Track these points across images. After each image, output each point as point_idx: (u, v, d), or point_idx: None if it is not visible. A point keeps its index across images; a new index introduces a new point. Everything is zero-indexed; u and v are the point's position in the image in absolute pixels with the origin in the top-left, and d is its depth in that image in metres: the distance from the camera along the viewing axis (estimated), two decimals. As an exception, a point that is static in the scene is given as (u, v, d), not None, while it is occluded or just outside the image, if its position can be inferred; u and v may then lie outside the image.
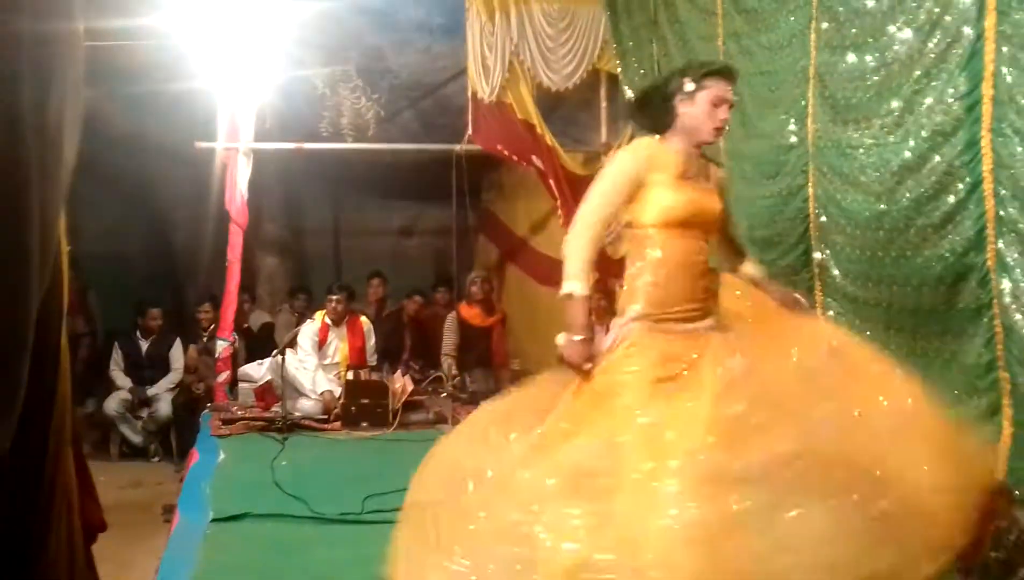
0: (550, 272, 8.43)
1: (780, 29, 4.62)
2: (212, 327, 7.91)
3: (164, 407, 7.73)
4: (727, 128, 3.21)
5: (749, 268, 3.41)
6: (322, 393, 6.63)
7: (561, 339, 2.98)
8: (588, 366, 2.96)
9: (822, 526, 2.50)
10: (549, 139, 7.26)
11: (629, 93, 6.56)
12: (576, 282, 3.01)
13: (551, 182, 7.24)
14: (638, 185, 3.07)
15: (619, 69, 6.77)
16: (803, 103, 4.40)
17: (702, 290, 3.11)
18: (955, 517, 2.65)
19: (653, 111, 3.23)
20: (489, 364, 7.43)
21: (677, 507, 2.53)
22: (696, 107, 3.10)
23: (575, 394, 3.00)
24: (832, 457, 2.64)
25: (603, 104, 7.66)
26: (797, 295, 3.31)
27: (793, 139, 4.49)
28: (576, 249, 3.05)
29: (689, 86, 3.09)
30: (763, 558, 2.47)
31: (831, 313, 4.29)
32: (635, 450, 2.71)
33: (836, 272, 4.29)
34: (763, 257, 4.68)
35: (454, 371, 7.11)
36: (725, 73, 3.14)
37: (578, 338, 2.97)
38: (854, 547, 2.50)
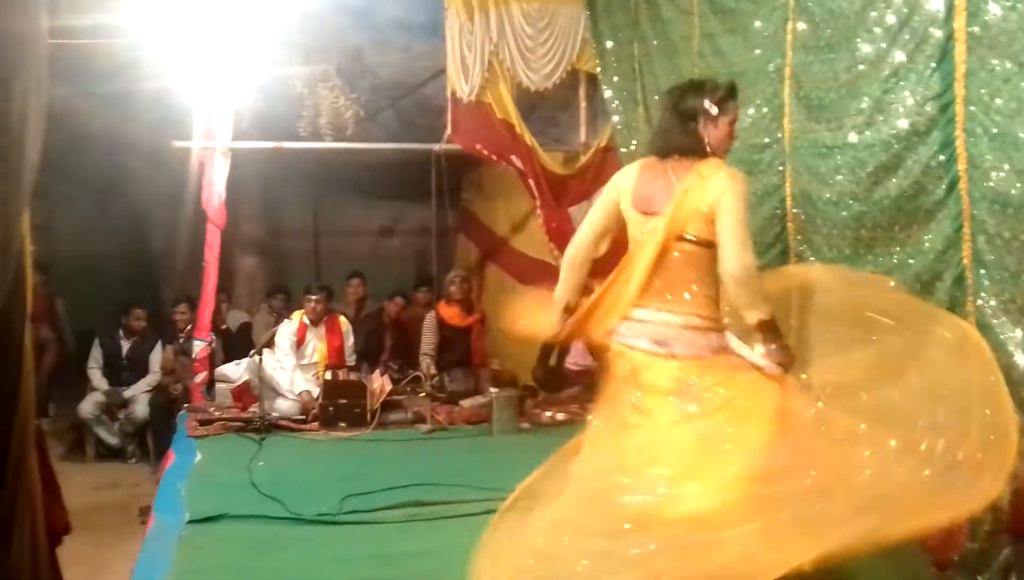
0: (530, 272, 8.43)
1: (755, 29, 4.64)
2: (189, 328, 7.86)
3: (141, 409, 7.66)
4: None
5: None
6: (300, 393, 6.61)
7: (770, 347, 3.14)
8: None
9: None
10: (528, 139, 7.26)
11: (608, 93, 6.56)
12: (766, 306, 3.15)
13: (531, 182, 7.24)
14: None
15: (598, 69, 6.77)
16: (778, 102, 4.42)
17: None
18: None
19: (681, 133, 3.26)
20: (468, 364, 7.41)
21: None
22: (719, 130, 3.22)
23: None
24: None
25: (583, 104, 7.67)
26: None
27: (767, 138, 4.51)
28: (758, 282, 3.18)
29: (714, 110, 3.19)
30: None
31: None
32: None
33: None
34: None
35: (433, 371, 7.09)
36: (736, 93, 3.28)
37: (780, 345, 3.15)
38: None
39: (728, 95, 3.22)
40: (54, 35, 5.96)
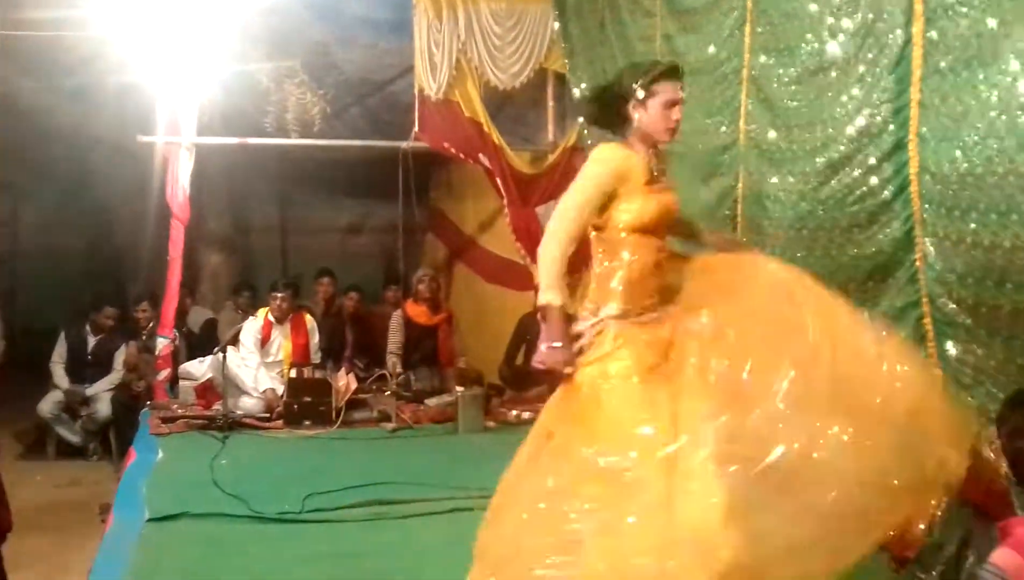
0: (498, 270, 8.45)
1: (713, 31, 4.65)
2: (151, 325, 7.80)
3: (104, 407, 7.59)
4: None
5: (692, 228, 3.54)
6: (264, 391, 6.57)
7: (543, 348, 3.03)
8: (569, 370, 3.04)
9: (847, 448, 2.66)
10: (496, 137, 7.26)
11: (577, 92, 6.57)
12: (552, 293, 3.04)
13: (498, 181, 7.24)
14: (612, 195, 3.13)
15: (567, 69, 6.79)
16: (736, 104, 4.44)
17: (660, 283, 3.23)
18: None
19: (606, 112, 3.31)
20: (434, 362, 7.40)
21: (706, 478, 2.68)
22: (649, 112, 3.16)
23: (565, 398, 3.13)
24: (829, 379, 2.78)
25: (550, 103, 7.68)
26: (732, 238, 3.44)
27: (727, 140, 4.54)
28: (551, 259, 3.07)
29: (640, 93, 3.15)
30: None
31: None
32: (652, 436, 2.86)
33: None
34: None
35: (399, 369, 7.07)
36: (673, 73, 3.20)
37: (557, 345, 3.02)
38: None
39: (661, 76, 3.17)
40: (18, 27, 5.90)
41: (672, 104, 3.17)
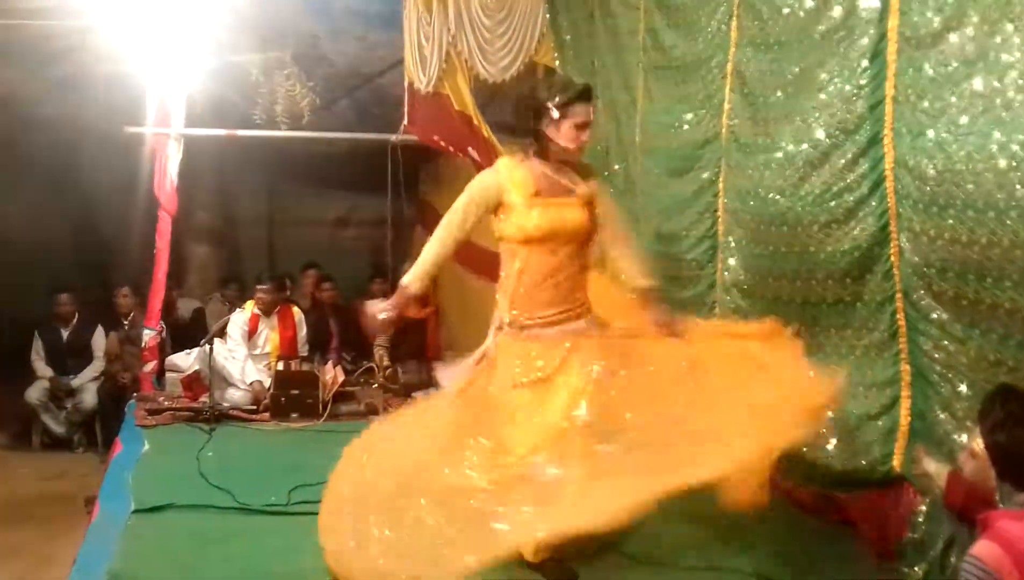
0: (486, 264, 8.39)
1: (698, 25, 4.65)
2: (132, 314, 7.78)
3: (89, 398, 7.57)
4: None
5: (640, 282, 3.57)
6: (251, 383, 6.56)
7: (374, 308, 3.36)
8: (384, 316, 3.33)
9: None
10: (486, 131, 7.24)
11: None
12: (411, 278, 3.35)
13: (487, 174, 7.22)
14: (497, 204, 3.36)
15: (556, 63, 6.77)
16: (719, 99, 4.44)
17: (569, 294, 3.39)
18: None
19: (522, 120, 3.52)
20: (422, 355, 7.40)
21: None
22: (561, 131, 3.31)
23: (456, 401, 3.39)
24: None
25: (540, 97, 7.65)
26: (675, 322, 3.50)
27: (709, 134, 4.55)
28: (420, 260, 3.38)
29: (555, 113, 3.29)
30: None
31: (732, 307, 4.36)
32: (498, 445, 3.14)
33: (738, 266, 4.36)
34: (670, 250, 4.75)
35: (386, 362, 7.06)
36: (586, 96, 3.34)
37: (386, 314, 3.33)
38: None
39: (574, 98, 3.30)
40: (3, 15, 5.86)
41: (583, 126, 3.32)
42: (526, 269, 3.35)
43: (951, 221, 3.13)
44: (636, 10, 5.28)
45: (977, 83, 3.02)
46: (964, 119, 3.07)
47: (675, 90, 4.89)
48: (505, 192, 3.34)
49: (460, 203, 3.39)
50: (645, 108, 5.16)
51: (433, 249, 3.37)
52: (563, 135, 3.31)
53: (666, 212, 4.90)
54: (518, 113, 3.64)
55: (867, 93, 3.49)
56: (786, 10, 3.94)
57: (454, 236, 3.37)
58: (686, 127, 4.73)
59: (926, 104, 3.23)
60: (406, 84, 7.33)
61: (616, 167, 5.59)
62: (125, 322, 7.92)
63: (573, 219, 3.37)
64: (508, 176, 3.36)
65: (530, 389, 3.23)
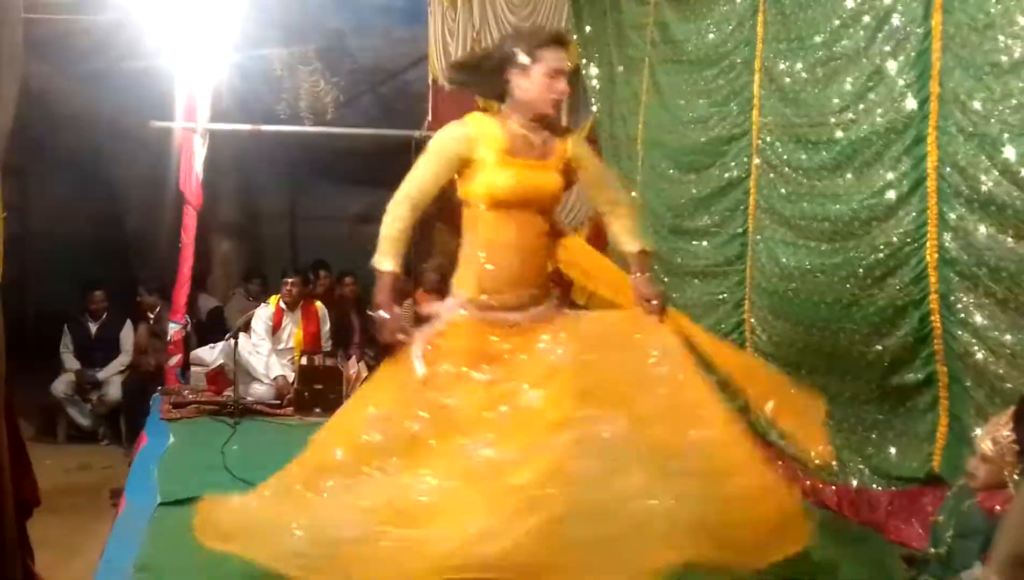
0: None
1: (718, 19, 4.60)
2: (158, 309, 7.84)
3: (114, 390, 7.61)
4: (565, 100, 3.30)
5: (628, 244, 3.32)
6: (275, 378, 6.58)
7: (374, 316, 3.00)
8: (401, 337, 2.97)
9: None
10: (509, 127, 7.23)
11: (589, 80, 6.54)
12: (382, 257, 2.99)
13: (511, 170, 7.20)
14: (463, 162, 3.01)
15: (581, 58, 6.75)
16: (747, 95, 4.40)
17: (535, 272, 3.07)
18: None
19: (483, 78, 3.15)
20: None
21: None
22: (531, 80, 3.00)
23: (383, 377, 3.06)
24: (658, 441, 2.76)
25: (564, 93, 7.63)
26: (655, 295, 3.21)
27: (736, 131, 4.50)
28: (387, 225, 3.02)
29: (523, 59, 2.99)
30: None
31: (762, 305, 4.31)
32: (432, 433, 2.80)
33: (770, 264, 4.32)
34: (689, 247, 4.69)
35: (409, 358, 7.05)
36: (559, 41, 3.06)
37: (383, 315, 2.96)
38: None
39: (546, 42, 3.01)
40: (32, 10, 5.90)
41: (557, 74, 3.00)
42: (494, 239, 3.02)
43: (999, 220, 3.11)
44: (645, 4, 5.25)
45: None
46: (1016, 118, 3.03)
47: (689, 85, 4.84)
48: (474, 147, 2.99)
49: (423, 161, 3.05)
50: (651, 103, 5.11)
51: (396, 217, 3.02)
52: (535, 85, 2.98)
53: (683, 209, 4.86)
54: (484, 70, 3.11)
55: (913, 91, 3.45)
56: (811, 5, 3.92)
57: (416, 200, 3.03)
58: (704, 123, 4.69)
59: (974, 103, 3.18)
60: (430, 80, 7.33)
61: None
62: (151, 316, 7.97)
63: (547, 185, 3.07)
64: (478, 129, 3.02)
65: (486, 378, 2.90)
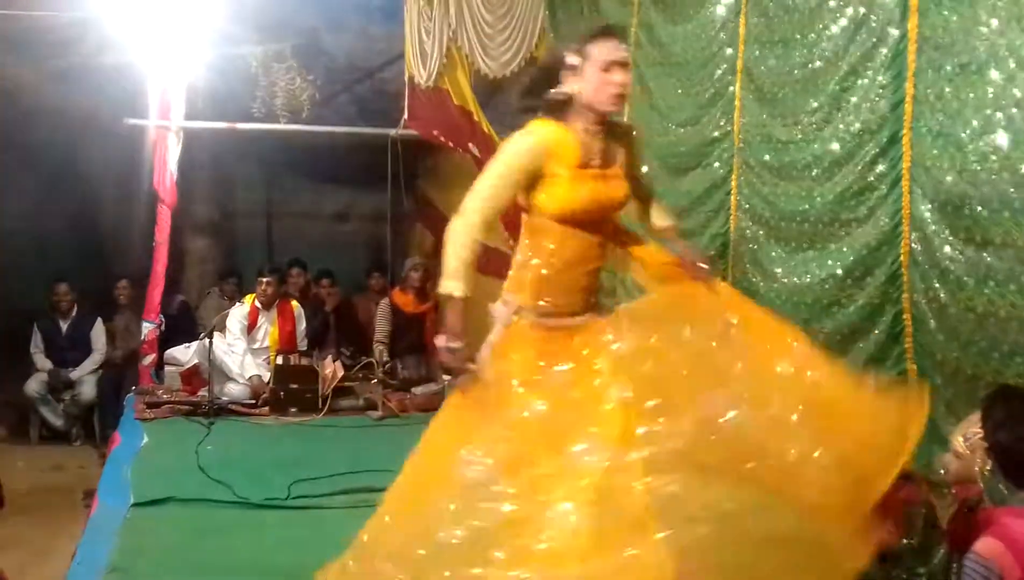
0: (486, 261, 8.32)
1: (701, 21, 4.63)
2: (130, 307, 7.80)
3: (88, 390, 7.55)
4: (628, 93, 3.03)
5: (661, 222, 3.28)
6: (250, 378, 6.56)
7: (440, 345, 2.81)
8: (470, 367, 2.82)
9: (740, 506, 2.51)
10: (486, 126, 7.23)
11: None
12: (455, 282, 2.78)
13: (487, 170, 7.21)
14: (534, 176, 2.85)
15: (558, 58, 6.76)
16: (729, 96, 4.43)
17: (588, 283, 2.99)
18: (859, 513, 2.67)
19: (548, 89, 2.95)
20: (421, 351, 7.39)
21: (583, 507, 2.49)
22: (587, 79, 2.84)
23: (457, 400, 2.91)
24: (729, 442, 2.62)
25: (542, 93, 7.63)
26: (702, 260, 3.11)
27: (716, 133, 4.53)
28: (459, 245, 2.79)
29: (573, 59, 2.85)
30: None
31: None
32: (528, 452, 2.65)
33: (750, 264, 4.34)
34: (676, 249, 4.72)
35: (385, 357, 7.06)
36: (608, 32, 2.92)
37: (454, 346, 2.77)
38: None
39: (595, 36, 2.86)
40: (6, 6, 5.84)
41: (612, 66, 2.82)
42: (557, 249, 2.89)
43: (966, 222, 3.13)
44: (628, 5, 5.26)
45: (992, 84, 3.02)
46: (982, 119, 3.06)
47: (677, 86, 4.86)
48: (546, 161, 2.82)
49: (492, 177, 2.82)
50: (637, 104, 5.13)
51: (469, 237, 2.78)
52: (590, 83, 2.82)
53: (672, 209, 4.89)
54: (539, 89, 2.95)
55: (888, 93, 3.48)
56: (797, 6, 3.94)
57: (488, 217, 2.80)
58: (691, 125, 4.72)
59: (944, 104, 3.22)
60: (406, 78, 7.33)
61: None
62: (123, 312, 7.91)
63: (616, 195, 2.95)
64: (549, 140, 2.84)
65: (541, 388, 2.79)
